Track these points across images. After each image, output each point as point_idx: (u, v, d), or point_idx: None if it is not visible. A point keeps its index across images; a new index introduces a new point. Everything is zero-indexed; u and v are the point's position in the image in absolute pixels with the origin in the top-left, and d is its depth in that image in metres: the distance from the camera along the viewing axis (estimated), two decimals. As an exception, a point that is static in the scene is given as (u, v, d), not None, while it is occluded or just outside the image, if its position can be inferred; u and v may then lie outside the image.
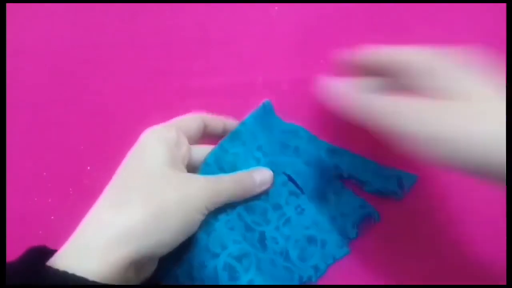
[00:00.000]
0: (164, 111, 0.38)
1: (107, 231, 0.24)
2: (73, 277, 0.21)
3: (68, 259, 0.23)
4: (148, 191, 0.25)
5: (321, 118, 0.36)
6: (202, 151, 0.31)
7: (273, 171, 0.31)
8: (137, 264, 0.25)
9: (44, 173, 0.35)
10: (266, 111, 0.34)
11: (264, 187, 0.30)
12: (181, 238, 0.26)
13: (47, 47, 0.41)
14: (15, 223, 0.25)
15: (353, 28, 0.41)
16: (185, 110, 0.37)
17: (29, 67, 0.40)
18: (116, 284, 0.23)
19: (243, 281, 0.27)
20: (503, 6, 0.40)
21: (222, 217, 0.29)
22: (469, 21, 0.41)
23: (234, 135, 0.32)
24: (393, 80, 0.27)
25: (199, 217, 0.27)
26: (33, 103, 0.38)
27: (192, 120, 0.31)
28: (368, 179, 0.33)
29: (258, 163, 0.31)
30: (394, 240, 0.33)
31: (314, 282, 0.30)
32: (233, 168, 0.30)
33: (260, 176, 0.30)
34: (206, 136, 0.32)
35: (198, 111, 0.32)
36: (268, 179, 0.31)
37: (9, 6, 0.41)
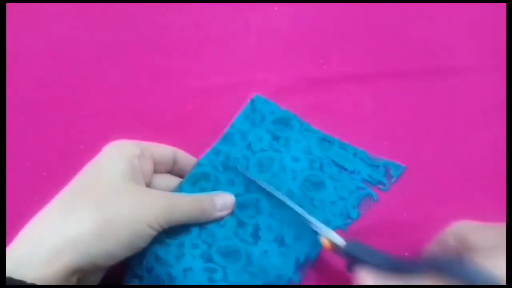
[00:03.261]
0: (164, 111, 0.38)
1: (51, 239, 0.23)
2: (12, 280, 0.21)
3: (9, 265, 0.22)
4: (98, 201, 0.25)
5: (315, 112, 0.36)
6: (167, 179, 0.31)
7: (262, 167, 0.33)
8: (80, 273, 0.24)
9: (44, 173, 0.35)
10: (255, 107, 0.35)
11: (224, 212, 0.30)
12: (129, 251, 0.26)
13: (47, 47, 0.41)
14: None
15: (353, 28, 0.41)
16: (185, 110, 0.38)
17: (29, 67, 0.40)
18: None
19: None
20: (503, 6, 0.40)
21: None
22: (469, 21, 0.41)
23: (225, 138, 0.34)
24: None
25: (150, 232, 0.26)
26: (33, 103, 0.38)
27: (163, 149, 0.31)
28: (356, 168, 0.34)
29: (247, 161, 0.33)
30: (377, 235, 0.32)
31: (313, 259, 0.31)
32: (225, 168, 0.32)
33: (222, 200, 0.30)
34: (175, 172, 0.32)
35: (197, 109, 0.32)
36: (229, 205, 0.30)
37: (9, 6, 0.41)
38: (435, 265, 0.22)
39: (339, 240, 0.27)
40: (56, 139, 0.37)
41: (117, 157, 0.27)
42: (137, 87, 0.39)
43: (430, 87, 0.38)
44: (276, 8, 0.42)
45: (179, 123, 0.37)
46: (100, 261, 0.24)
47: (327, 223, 0.31)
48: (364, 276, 0.24)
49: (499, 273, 0.20)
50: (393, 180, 0.34)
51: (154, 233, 0.26)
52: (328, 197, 0.33)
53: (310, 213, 0.31)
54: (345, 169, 0.34)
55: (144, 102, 0.38)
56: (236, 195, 0.31)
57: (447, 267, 0.21)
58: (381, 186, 0.33)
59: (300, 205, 0.31)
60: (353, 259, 0.26)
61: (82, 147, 0.36)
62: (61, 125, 0.38)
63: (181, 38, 0.41)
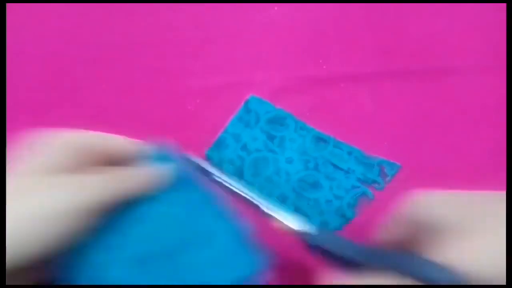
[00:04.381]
0: (164, 111, 0.38)
1: None
2: None
3: None
4: (19, 196, 0.22)
5: (315, 112, 0.37)
6: None
7: (256, 168, 0.33)
8: (23, 272, 0.21)
9: (44, 173, 0.35)
10: (249, 108, 0.36)
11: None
12: (64, 240, 0.21)
13: (46, 47, 0.41)
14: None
15: (353, 28, 0.41)
16: (185, 110, 0.38)
17: (28, 67, 0.40)
18: None
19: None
20: (503, 6, 0.40)
21: None
22: (469, 21, 0.41)
23: (218, 143, 0.34)
24: None
25: (87, 219, 0.22)
26: (33, 104, 0.38)
27: (124, 141, 0.27)
28: (350, 167, 0.34)
29: (242, 161, 0.33)
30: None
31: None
32: (219, 172, 0.31)
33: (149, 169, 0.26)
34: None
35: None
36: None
37: (9, 6, 0.41)
38: (392, 261, 0.20)
39: (309, 228, 0.25)
40: (56, 139, 0.37)
41: (49, 147, 0.24)
42: (137, 87, 0.39)
43: (430, 87, 0.38)
44: (276, 8, 0.42)
45: (179, 123, 0.37)
46: (18, 261, 0.20)
47: (324, 223, 0.31)
48: (330, 277, 0.22)
49: (468, 260, 0.18)
50: (388, 178, 0.34)
51: (92, 217, 0.22)
52: (324, 197, 0.33)
53: (305, 213, 0.31)
54: (340, 168, 0.34)
55: (144, 102, 0.38)
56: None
57: (403, 265, 0.20)
58: (376, 185, 0.34)
59: (296, 207, 0.31)
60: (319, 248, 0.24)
61: (82, 147, 0.36)
62: (61, 125, 0.37)
63: (181, 38, 0.41)
